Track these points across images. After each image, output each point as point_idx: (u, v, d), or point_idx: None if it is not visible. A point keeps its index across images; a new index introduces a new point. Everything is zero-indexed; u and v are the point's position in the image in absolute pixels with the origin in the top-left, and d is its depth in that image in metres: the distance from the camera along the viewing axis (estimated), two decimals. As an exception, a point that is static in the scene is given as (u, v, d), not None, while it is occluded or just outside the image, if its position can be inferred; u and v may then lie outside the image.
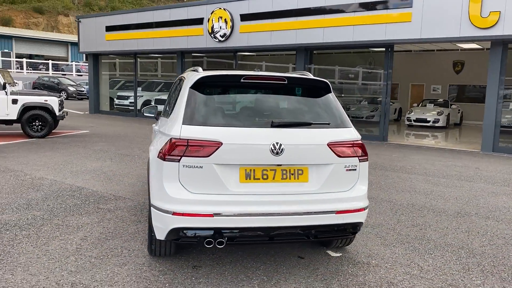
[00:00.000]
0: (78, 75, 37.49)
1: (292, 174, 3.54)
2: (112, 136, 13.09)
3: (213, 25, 16.32)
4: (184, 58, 18.67)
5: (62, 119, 13.10)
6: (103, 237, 4.55)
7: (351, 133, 3.74)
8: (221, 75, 3.85)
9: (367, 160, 3.80)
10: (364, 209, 3.70)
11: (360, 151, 3.72)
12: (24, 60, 35.77)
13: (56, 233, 4.63)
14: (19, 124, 12.10)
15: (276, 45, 15.18)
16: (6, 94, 11.83)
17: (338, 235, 3.76)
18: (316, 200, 3.54)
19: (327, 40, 13.93)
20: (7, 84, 11.82)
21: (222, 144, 3.38)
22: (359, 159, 3.70)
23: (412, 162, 9.96)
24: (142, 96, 20.58)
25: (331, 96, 3.96)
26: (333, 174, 3.60)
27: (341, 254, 4.30)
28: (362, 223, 3.73)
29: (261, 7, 15.20)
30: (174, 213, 3.36)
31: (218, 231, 3.37)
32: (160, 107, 5.75)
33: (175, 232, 3.41)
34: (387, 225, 5.25)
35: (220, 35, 16.18)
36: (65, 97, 29.57)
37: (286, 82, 3.84)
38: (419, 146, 13.01)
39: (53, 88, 29.70)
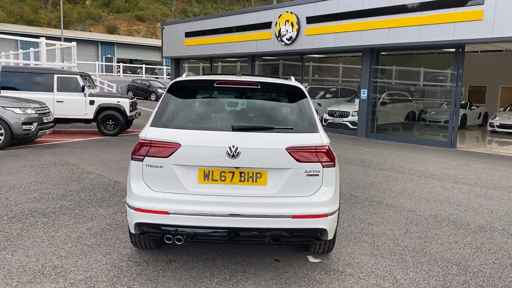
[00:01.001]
0: (169, 78, 39.95)
1: (251, 177, 3.62)
2: (177, 136, 13.85)
3: (280, 29, 16.52)
4: (255, 61, 19.10)
5: (134, 119, 14.23)
6: (107, 228, 4.98)
7: (315, 138, 3.71)
8: (194, 80, 4.05)
9: (334, 166, 3.73)
10: (326, 215, 3.65)
11: (324, 156, 3.68)
12: (121, 64, 39.01)
13: (70, 221, 5.15)
14: (96, 123, 13.41)
15: (340, 47, 14.96)
16: (85, 95, 13.16)
17: (297, 240, 3.74)
18: (273, 204, 3.58)
19: (392, 41, 13.41)
20: (85, 87, 13.15)
21: (180, 145, 3.58)
22: (322, 165, 3.65)
23: (468, 171, 9.25)
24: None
25: (304, 101, 3.95)
26: (292, 179, 3.61)
27: (320, 260, 4.25)
28: (324, 229, 3.67)
29: (326, 9, 15.07)
30: (136, 209, 3.63)
31: (175, 228, 3.57)
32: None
33: (138, 227, 3.68)
34: (390, 235, 5.03)
35: (286, 38, 16.33)
36: (154, 98, 31.75)
37: (259, 86, 3.92)
38: (490, 155, 11.97)
39: (145, 90, 32.00)
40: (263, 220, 3.55)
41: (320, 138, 3.73)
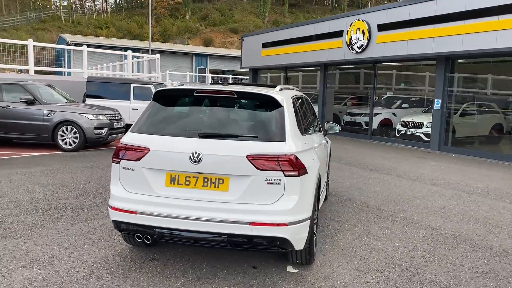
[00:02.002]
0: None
1: (213, 183, 3.73)
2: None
3: (351, 37, 16.21)
4: (327, 70, 18.94)
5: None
6: (118, 225, 5.38)
7: (279, 147, 3.69)
8: (176, 89, 4.28)
9: (298, 175, 3.68)
10: (286, 224, 3.62)
11: (287, 165, 3.65)
12: (210, 75, 40.98)
13: (90, 217, 5.65)
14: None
15: (412, 55, 14.25)
16: (157, 104, 14.13)
17: (259, 247, 3.74)
18: (232, 209, 3.65)
19: (466, 48, 12.47)
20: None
21: (149, 150, 3.81)
22: (284, 173, 3.64)
23: (535, 190, 8.30)
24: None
25: (278, 110, 3.95)
26: (252, 186, 3.64)
27: (298, 270, 4.19)
28: (285, 238, 3.64)
29: (398, 16, 14.49)
30: (111, 208, 3.93)
31: (142, 228, 3.81)
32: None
33: (115, 224, 3.98)
34: (390, 252, 4.76)
35: (357, 47, 15.98)
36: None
37: (235, 96, 4.03)
38: None
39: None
40: (223, 225, 3.63)
41: (284, 147, 3.71)
